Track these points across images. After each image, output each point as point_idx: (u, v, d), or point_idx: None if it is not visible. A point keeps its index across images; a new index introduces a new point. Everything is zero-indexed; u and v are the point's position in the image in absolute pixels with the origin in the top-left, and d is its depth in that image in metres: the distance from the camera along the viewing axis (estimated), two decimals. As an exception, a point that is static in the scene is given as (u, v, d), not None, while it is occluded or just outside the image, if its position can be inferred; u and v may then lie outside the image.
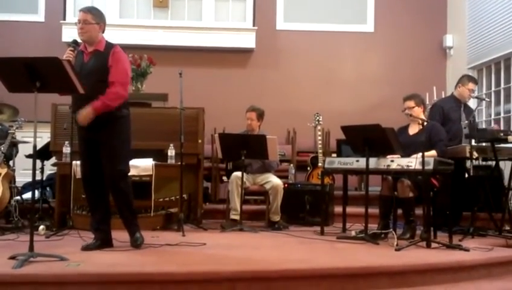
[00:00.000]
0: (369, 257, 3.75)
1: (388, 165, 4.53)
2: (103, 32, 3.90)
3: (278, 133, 6.05)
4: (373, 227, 4.72)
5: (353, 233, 4.70)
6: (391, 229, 4.63)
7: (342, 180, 5.33)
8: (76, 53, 3.75)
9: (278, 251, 4.12)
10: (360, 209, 5.03)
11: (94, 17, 3.81)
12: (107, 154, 3.86)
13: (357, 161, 4.73)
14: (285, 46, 8.45)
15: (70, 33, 7.78)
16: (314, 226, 5.35)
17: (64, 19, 8.00)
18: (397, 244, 4.12)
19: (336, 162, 5.00)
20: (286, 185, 5.75)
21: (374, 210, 4.85)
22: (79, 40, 3.88)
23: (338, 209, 5.64)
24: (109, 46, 3.87)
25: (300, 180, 6.65)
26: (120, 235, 4.01)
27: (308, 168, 6.73)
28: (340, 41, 8.48)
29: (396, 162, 4.50)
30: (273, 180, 5.54)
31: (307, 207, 5.77)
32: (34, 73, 3.31)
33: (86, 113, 3.72)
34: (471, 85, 5.51)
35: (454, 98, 5.58)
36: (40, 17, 8.24)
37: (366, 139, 4.49)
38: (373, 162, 4.55)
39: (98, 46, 3.84)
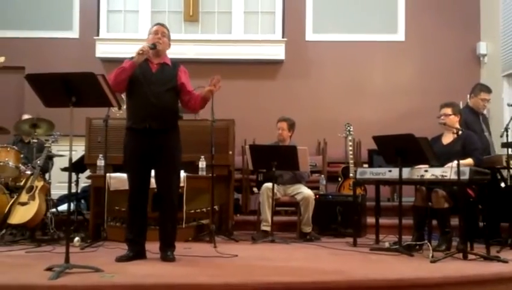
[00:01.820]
0: (404, 269, 3.69)
1: (422, 175, 4.44)
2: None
3: (308, 144, 6.04)
4: (407, 239, 4.63)
5: (387, 245, 4.62)
6: (426, 241, 4.54)
7: (374, 191, 5.25)
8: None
9: (310, 262, 4.09)
10: (393, 221, 4.96)
11: (169, 34, 4.20)
12: (169, 161, 3.97)
13: (390, 171, 4.66)
14: (315, 57, 8.43)
15: (104, 49, 8.02)
16: (346, 238, 5.29)
17: (98, 35, 8.17)
18: (432, 256, 4.04)
19: (368, 172, 4.95)
20: (317, 196, 5.70)
21: (407, 221, 4.74)
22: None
23: (370, 220, 5.57)
24: (175, 62, 4.22)
25: (332, 191, 6.59)
26: (153, 247, 4.04)
27: (339, 179, 6.68)
28: (370, 51, 8.41)
29: (430, 172, 4.40)
30: (304, 191, 5.51)
31: (338, 218, 5.73)
32: (69, 88, 3.39)
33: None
34: (483, 94, 5.40)
35: (470, 108, 5.46)
36: (74, 33, 8.42)
37: (399, 149, 4.43)
38: (406, 172, 4.48)
39: (165, 60, 4.16)
